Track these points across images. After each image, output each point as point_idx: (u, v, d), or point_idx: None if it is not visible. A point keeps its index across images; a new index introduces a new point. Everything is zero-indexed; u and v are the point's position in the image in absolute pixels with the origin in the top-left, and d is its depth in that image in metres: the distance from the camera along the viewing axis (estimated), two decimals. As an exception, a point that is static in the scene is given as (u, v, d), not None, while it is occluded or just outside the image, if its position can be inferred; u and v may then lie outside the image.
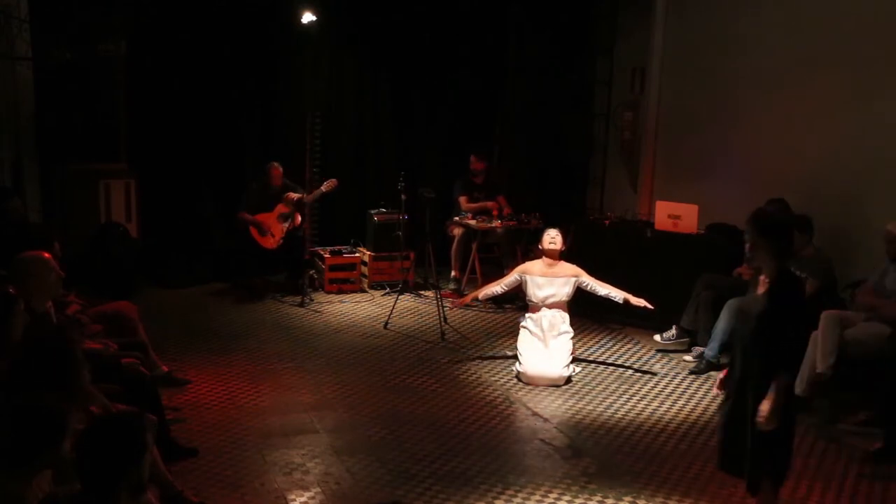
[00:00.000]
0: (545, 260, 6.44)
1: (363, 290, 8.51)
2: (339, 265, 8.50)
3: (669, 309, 6.87)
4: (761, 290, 3.71)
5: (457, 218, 8.63)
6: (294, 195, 8.10)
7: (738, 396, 3.77)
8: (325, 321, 7.49)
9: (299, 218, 8.23)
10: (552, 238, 6.41)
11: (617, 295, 6.31)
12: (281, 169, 8.21)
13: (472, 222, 8.39)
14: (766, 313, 3.63)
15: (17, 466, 2.75)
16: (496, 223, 8.37)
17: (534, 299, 6.40)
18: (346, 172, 9.07)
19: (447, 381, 6.12)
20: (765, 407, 3.58)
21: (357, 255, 8.62)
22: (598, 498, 4.45)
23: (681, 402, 5.86)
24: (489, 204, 8.68)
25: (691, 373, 6.41)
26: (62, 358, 3.36)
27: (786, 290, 3.65)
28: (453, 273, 8.58)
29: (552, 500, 4.41)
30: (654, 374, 6.44)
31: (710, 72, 8.22)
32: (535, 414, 5.59)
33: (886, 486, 4.65)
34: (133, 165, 8.38)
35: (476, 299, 6.98)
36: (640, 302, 6.24)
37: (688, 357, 6.68)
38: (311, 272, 8.38)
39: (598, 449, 5.07)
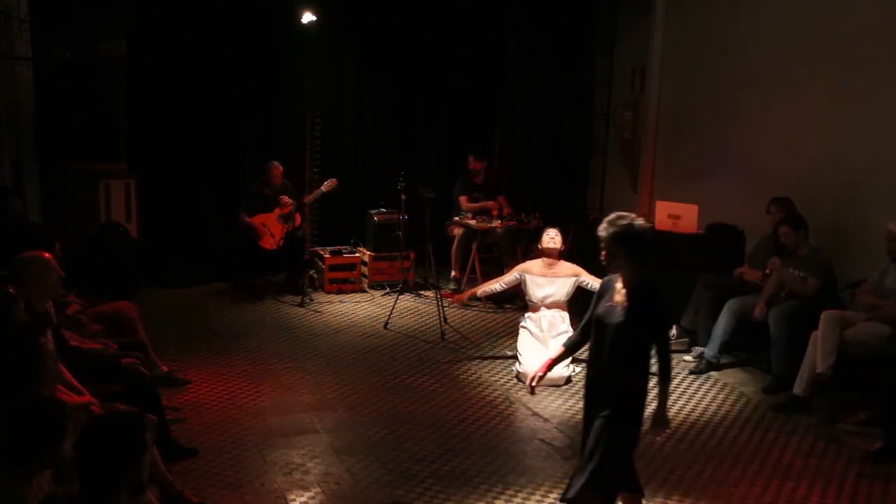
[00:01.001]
0: (545, 259, 6.44)
1: (363, 290, 8.51)
2: (339, 265, 8.50)
3: (669, 309, 6.84)
4: (618, 298, 3.62)
5: (457, 218, 8.63)
6: (288, 199, 8.10)
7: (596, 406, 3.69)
8: (325, 321, 7.49)
9: (299, 218, 8.23)
10: (551, 237, 6.40)
11: (617, 293, 6.30)
12: (281, 168, 8.21)
13: (472, 222, 8.39)
14: (626, 323, 3.55)
15: (17, 466, 2.75)
16: (496, 223, 8.38)
17: (533, 299, 6.40)
18: (346, 172, 9.07)
19: (447, 381, 6.12)
20: (660, 412, 3.69)
21: (357, 255, 8.62)
22: (598, 498, 4.45)
23: (681, 402, 5.86)
24: (489, 204, 8.68)
25: (691, 373, 6.41)
26: (24, 352, 3.36)
27: (645, 299, 3.57)
28: (453, 273, 8.58)
29: (552, 500, 4.41)
30: (655, 374, 6.42)
31: (710, 72, 8.22)
32: (535, 414, 5.59)
33: (886, 486, 4.65)
34: (133, 165, 8.38)
35: (475, 296, 6.99)
36: None
37: (688, 357, 6.68)
38: (311, 272, 8.38)
39: (598, 449, 5.06)
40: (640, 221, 3.60)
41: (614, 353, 3.60)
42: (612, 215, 3.65)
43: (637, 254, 3.58)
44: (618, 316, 3.59)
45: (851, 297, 6.14)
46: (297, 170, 8.33)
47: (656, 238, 7.24)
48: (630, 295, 3.59)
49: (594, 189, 9.88)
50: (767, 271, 6.19)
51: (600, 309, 3.70)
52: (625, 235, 3.55)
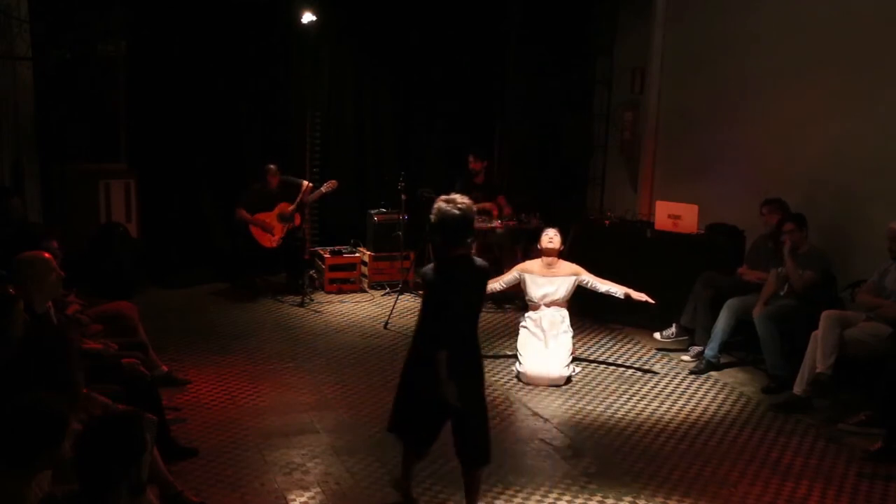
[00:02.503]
0: (544, 259, 6.44)
1: (363, 290, 8.51)
2: (339, 265, 8.50)
3: (669, 310, 6.87)
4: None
5: (457, 218, 8.60)
6: (289, 207, 8.10)
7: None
8: (325, 321, 7.49)
9: (299, 218, 8.23)
10: (550, 237, 6.41)
11: (617, 290, 6.32)
12: (278, 176, 8.17)
13: (472, 222, 8.37)
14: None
15: (17, 466, 2.75)
16: (496, 223, 8.37)
17: (533, 298, 6.40)
18: (346, 172, 9.08)
19: (447, 381, 6.11)
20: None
21: (357, 255, 8.62)
22: (598, 498, 4.45)
23: (681, 402, 5.86)
24: (486, 205, 8.67)
25: (691, 373, 6.41)
26: (58, 358, 3.37)
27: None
28: (453, 273, 8.56)
29: (552, 500, 4.41)
30: (655, 373, 6.44)
31: (710, 72, 8.21)
32: (535, 414, 5.59)
33: (886, 486, 4.65)
34: (133, 165, 8.38)
35: None
36: (641, 296, 6.24)
37: (686, 357, 6.68)
38: (311, 272, 8.38)
39: (598, 449, 5.07)
40: (448, 211, 3.68)
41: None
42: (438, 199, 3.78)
43: (436, 238, 3.81)
44: None
45: (851, 297, 6.14)
46: (297, 170, 8.31)
47: (656, 238, 7.35)
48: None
49: (594, 189, 9.87)
50: (782, 238, 6.20)
51: None
52: (434, 220, 3.73)
